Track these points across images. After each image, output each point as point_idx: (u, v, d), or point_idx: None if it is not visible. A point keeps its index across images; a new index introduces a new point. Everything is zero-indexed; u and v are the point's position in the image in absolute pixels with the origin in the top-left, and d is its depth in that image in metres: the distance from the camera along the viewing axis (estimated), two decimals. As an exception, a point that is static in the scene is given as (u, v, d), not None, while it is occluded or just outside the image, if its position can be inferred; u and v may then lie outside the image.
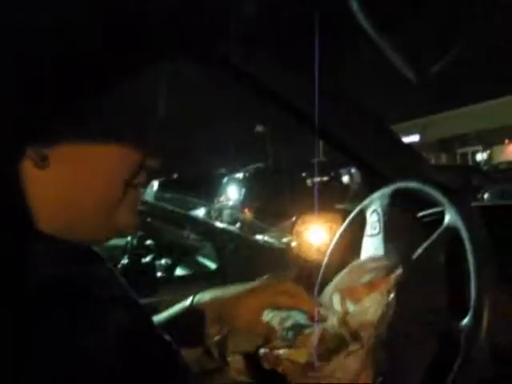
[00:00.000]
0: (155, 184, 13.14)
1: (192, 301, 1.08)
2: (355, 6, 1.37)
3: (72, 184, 0.73)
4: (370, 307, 0.98)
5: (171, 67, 0.84)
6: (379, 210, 1.19)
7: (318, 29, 1.23)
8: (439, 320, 0.95)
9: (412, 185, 1.13)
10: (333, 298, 1.04)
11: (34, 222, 0.72)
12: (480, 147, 23.97)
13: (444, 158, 25.32)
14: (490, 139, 23.07)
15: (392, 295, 0.99)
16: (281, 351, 0.96)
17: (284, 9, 1.41)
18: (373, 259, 1.13)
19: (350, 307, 1.01)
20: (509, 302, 0.99)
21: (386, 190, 1.19)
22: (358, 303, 1.00)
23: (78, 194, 0.74)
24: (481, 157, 23.99)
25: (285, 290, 1.06)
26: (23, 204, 0.71)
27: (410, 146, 1.65)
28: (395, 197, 1.17)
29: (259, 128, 24.22)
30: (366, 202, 1.26)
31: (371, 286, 1.02)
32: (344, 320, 0.99)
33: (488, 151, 23.92)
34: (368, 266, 1.09)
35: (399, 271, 1.02)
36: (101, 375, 0.65)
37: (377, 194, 1.22)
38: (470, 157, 24.88)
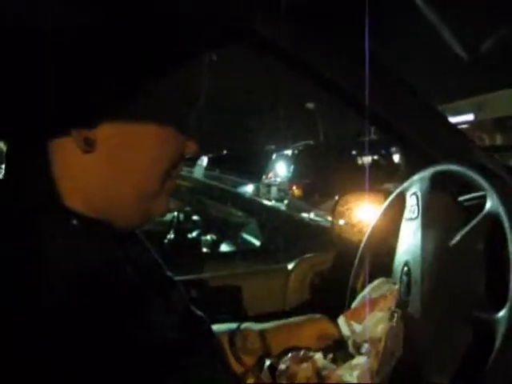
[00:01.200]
0: (205, 160, 13.22)
1: (238, 326, 1.11)
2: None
3: (114, 170, 0.73)
4: (373, 325, 1.02)
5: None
6: (418, 193, 1.15)
7: (367, 8, 1.21)
8: (475, 310, 0.92)
9: (453, 167, 1.08)
10: (339, 323, 1.09)
11: (61, 201, 0.72)
12: (537, 128, 23.30)
13: (499, 139, 24.72)
14: (547, 120, 22.40)
15: (394, 312, 1.03)
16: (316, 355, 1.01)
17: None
18: (382, 281, 1.15)
19: (357, 328, 1.05)
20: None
21: (426, 173, 1.15)
22: (362, 323, 1.04)
23: (120, 181, 0.74)
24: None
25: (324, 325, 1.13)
26: (51, 182, 0.71)
27: (456, 126, 1.60)
28: (436, 179, 1.13)
29: (310, 105, 24.07)
30: (406, 185, 1.23)
31: (371, 305, 1.06)
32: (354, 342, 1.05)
33: (545, 132, 23.22)
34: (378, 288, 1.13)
35: (396, 288, 1.08)
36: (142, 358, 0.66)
37: (417, 177, 1.19)
38: (526, 137, 24.20)
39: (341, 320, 1.09)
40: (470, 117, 24.16)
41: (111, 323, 0.65)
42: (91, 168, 0.72)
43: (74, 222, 0.71)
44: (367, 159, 13.01)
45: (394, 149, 13.12)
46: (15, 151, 0.73)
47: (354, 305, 1.14)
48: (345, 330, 1.07)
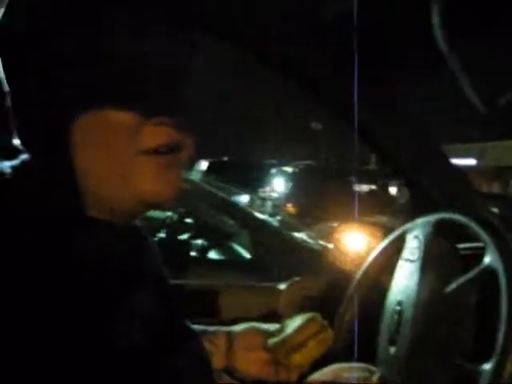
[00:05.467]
0: (204, 164, 13.21)
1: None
2: (436, 21, 1.36)
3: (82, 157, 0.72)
4: None
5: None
6: (421, 236, 1.18)
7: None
8: (461, 359, 0.95)
9: (458, 218, 1.12)
10: None
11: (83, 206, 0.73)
12: (536, 181, 23.38)
13: (496, 187, 24.82)
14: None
15: None
16: None
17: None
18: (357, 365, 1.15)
19: None
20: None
21: (431, 218, 1.18)
22: None
23: (90, 165, 0.72)
24: (534, 191, 23.40)
25: None
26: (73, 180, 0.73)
27: (460, 170, 1.63)
28: (439, 226, 1.16)
29: (315, 125, 24.11)
30: (408, 226, 1.25)
31: None
32: None
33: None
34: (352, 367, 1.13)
35: (378, 374, 1.07)
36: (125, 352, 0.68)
37: (421, 220, 1.21)
38: (523, 189, 24.27)
39: None
40: (471, 161, 24.24)
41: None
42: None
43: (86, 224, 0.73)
44: (363, 188, 13.05)
45: (392, 182, 13.17)
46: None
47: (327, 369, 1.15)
48: None
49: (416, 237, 1.19)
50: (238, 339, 1.07)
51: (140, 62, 0.72)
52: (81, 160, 0.71)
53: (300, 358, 0.98)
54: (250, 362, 1.06)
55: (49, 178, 0.73)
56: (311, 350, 0.99)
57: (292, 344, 0.99)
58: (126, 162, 0.72)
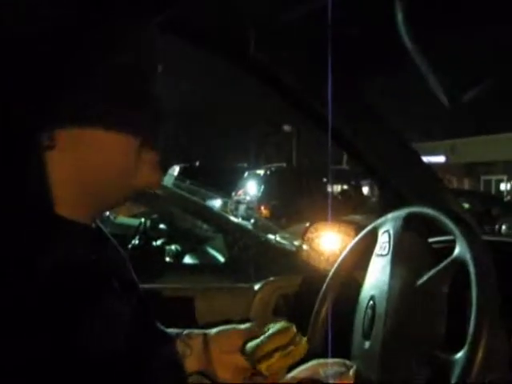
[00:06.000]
0: (176, 169, 13.17)
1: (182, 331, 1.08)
2: (400, 18, 1.38)
3: (84, 161, 0.74)
4: None
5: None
6: (391, 231, 1.20)
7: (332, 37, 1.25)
8: (435, 349, 0.96)
9: (427, 211, 1.13)
10: None
11: (52, 207, 0.73)
12: (505, 177, 23.75)
13: (467, 183, 25.15)
14: (516, 171, 22.85)
15: None
16: None
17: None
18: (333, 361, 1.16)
19: None
20: (505, 339, 0.99)
21: (401, 213, 1.20)
22: None
23: (93, 171, 0.74)
24: (504, 186, 23.78)
25: None
26: (45, 189, 0.73)
27: (430, 167, 1.65)
28: (409, 220, 1.18)
29: (287, 128, 24.21)
30: (379, 221, 1.27)
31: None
32: None
33: (512, 182, 23.67)
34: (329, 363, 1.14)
35: (354, 368, 1.09)
36: (101, 360, 0.68)
37: (391, 215, 1.23)
38: (493, 185, 24.64)
39: None
40: (441, 159, 24.54)
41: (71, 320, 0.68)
42: (63, 166, 0.73)
43: (57, 228, 0.73)
44: (335, 188, 13.15)
45: (364, 181, 13.29)
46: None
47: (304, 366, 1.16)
48: None
49: (386, 231, 1.21)
50: (214, 341, 1.04)
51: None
52: (77, 162, 0.73)
53: (265, 368, 0.98)
54: (225, 365, 1.03)
55: (17, 182, 0.72)
56: (277, 362, 0.98)
57: (261, 352, 0.99)
58: (129, 161, 0.77)
